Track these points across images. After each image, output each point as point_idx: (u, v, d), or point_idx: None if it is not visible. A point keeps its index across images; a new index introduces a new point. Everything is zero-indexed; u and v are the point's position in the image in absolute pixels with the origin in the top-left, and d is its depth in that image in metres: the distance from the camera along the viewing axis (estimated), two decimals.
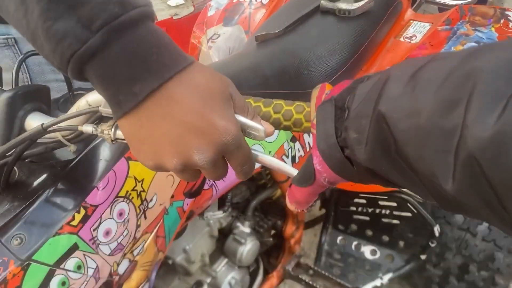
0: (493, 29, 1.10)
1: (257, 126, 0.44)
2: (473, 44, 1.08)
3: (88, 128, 0.46)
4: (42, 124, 0.47)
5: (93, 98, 0.50)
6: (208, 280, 1.02)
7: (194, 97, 0.40)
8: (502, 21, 1.11)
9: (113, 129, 0.45)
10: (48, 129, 0.47)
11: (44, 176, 0.60)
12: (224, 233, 1.06)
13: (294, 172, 0.47)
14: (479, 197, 0.28)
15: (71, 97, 0.66)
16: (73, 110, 0.52)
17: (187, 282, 1.00)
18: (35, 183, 0.59)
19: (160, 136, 0.40)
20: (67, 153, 0.63)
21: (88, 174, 0.61)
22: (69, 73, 0.38)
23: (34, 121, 0.55)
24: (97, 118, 0.49)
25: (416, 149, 0.32)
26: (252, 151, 0.46)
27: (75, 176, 0.61)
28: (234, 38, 1.33)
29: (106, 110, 0.45)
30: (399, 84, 0.35)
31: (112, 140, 0.45)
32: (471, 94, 0.28)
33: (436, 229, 1.12)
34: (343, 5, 1.10)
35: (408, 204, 1.14)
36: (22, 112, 0.54)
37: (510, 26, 1.10)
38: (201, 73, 0.41)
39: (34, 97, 0.56)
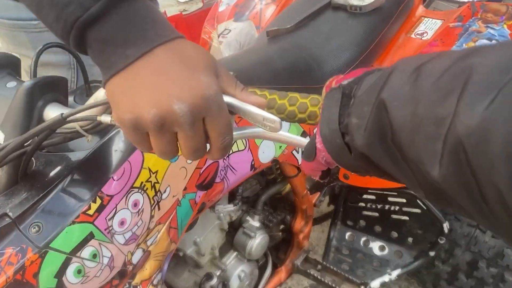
0: (505, 26, 1.09)
1: (270, 116, 0.44)
2: (485, 41, 1.07)
3: (106, 119, 0.47)
4: (62, 114, 0.48)
5: None
6: (218, 272, 1.03)
7: (181, 61, 0.41)
8: None
9: None
10: (68, 119, 0.48)
11: (60, 166, 0.61)
12: (234, 227, 1.07)
13: (304, 142, 0.49)
14: (462, 186, 0.29)
15: (87, 88, 0.67)
16: (91, 101, 0.53)
17: (197, 274, 1.01)
18: (52, 173, 0.61)
19: (142, 87, 0.40)
20: (83, 143, 0.64)
21: (104, 165, 0.62)
22: (71, 41, 0.41)
23: (52, 112, 0.56)
24: None
25: (409, 136, 0.33)
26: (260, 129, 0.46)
27: (91, 167, 0.62)
28: (245, 34, 1.34)
29: None
30: (403, 74, 0.36)
31: None
32: (465, 84, 0.29)
33: (446, 226, 1.12)
34: (354, 1, 1.10)
35: (418, 201, 1.14)
36: (41, 102, 0.56)
37: None
38: (190, 46, 0.44)
39: (52, 88, 0.57)
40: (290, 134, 0.52)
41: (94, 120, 0.48)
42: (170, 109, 0.40)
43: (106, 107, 0.50)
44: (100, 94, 0.52)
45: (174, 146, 0.43)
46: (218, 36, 1.38)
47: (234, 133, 0.46)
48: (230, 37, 1.37)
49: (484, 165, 0.27)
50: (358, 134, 0.39)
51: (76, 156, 0.62)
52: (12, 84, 0.57)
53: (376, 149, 0.38)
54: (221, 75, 0.45)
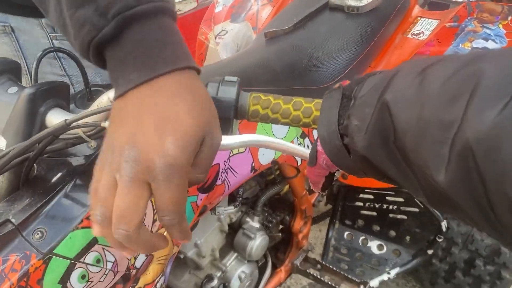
0: (501, 26, 1.11)
1: None
2: (481, 41, 1.08)
3: None
4: (66, 120, 0.48)
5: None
6: (218, 274, 1.03)
7: (165, 106, 0.39)
8: (510, 17, 1.11)
9: None
10: (71, 125, 0.48)
11: (62, 171, 0.61)
12: (234, 228, 1.07)
13: (306, 153, 0.49)
14: (468, 192, 0.29)
15: (88, 93, 0.67)
16: (95, 106, 0.53)
17: (198, 276, 1.01)
18: (54, 179, 0.60)
19: (128, 115, 0.40)
20: (84, 148, 0.64)
21: None
22: (91, 59, 0.42)
23: (54, 117, 0.56)
24: None
25: (414, 139, 0.33)
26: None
27: (93, 171, 0.61)
28: (242, 35, 1.34)
29: None
30: (408, 77, 0.36)
31: None
32: (474, 89, 0.29)
33: (443, 224, 1.13)
34: (352, 2, 1.11)
35: (416, 200, 1.15)
36: (43, 108, 0.55)
37: None
38: (191, 86, 0.41)
39: (54, 93, 0.56)
40: (296, 146, 0.52)
41: (98, 126, 0.48)
42: (119, 151, 0.38)
43: (109, 112, 0.50)
44: (103, 100, 0.51)
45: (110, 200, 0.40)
46: (215, 37, 1.38)
47: (237, 141, 0.46)
48: (227, 38, 1.37)
49: (494, 173, 0.26)
50: (358, 136, 0.38)
51: (78, 161, 0.62)
52: (13, 89, 0.57)
53: (377, 152, 0.37)
54: (206, 144, 0.41)
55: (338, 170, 0.46)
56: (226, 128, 0.49)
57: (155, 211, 0.67)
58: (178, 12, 3.46)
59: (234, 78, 0.50)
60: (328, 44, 1.05)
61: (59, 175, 0.61)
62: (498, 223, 0.28)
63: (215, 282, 1.01)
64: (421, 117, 0.32)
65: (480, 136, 0.27)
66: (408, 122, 0.34)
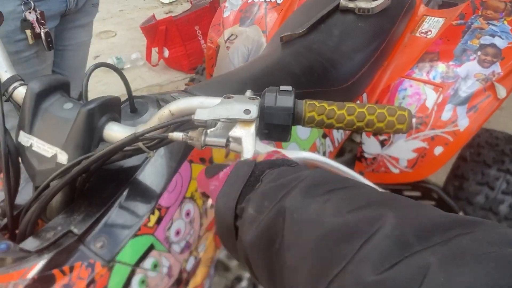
0: (505, 22, 1.15)
1: None
2: (488, 37, 1.12)
3: (178, 136, 0.50)
4: (135, 133, 0.50)
5: (175, 108, 0.54)
6: (246, 274, 1.06)
7: None
8: None
9: (203, 136, 0.49)
10: (140, 138, 0.51)
11: (115, 181, 0.63)
12: None
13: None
14: None
15: (132, 104, 0.69)
16: (155, 119, 0.55)
17: (227, 278, 1.03)
18: (108, 188, 0.63)
19: None
20: (132, 158, 0.66)
21: (157, 178, 0.64)
22: None
23: (112, 130, 0.58)
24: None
25: (295, 259, 0.31)
26: None
27: (145, 180, 0.64)
28: (252, 39, 1.37)
29: (198, 119, 0.48)
30: (317, 189, 0.34)
31: (202, 146, 0.49)
32: (373, 234, 0.28)
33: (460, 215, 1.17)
34: (362, 4, 1.14)
35: (432, 193, 1.19)
36: (101, 123, 0.57)
37: None
38: None
39: (109, 107, 0.59)
40: (346, 169, 0.52)
41: (165, 138, 0.51)
42: None
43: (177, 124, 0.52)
44: (165, 113, 0.54)
45: None
46: (225, 42, 1.41)
47: (298, 156, 0.48)
48: (237, 43, 1.39)
49: None
50: (249, 227, 0.37)
51: (129, 170, 0.64)
52: (68, 105, 0.58)
53: (258, 253, 0.36)
54: None
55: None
56: (285, 134, 0.52)
57: (201, 217, 0.69)
58: (171, 14, 3.47)
59: (289, 88, 0.53)
60: (343, 45, 1.08)
61: (112, 184, 0.63)
62: None
63: (244, 282, 1.03)
64: (310, 240, 0.31)
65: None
66: (296, 239, 0.32)
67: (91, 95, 0.61)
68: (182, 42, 2.83)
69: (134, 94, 0.69)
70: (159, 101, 0.72)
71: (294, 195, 0.35)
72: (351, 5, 1.15)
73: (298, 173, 0.38)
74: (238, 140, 0.47)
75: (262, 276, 0.36)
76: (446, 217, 0.29)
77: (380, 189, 0.36)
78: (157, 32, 2.76)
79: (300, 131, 0.98)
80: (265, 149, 0.46)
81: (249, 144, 0.46)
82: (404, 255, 0.26)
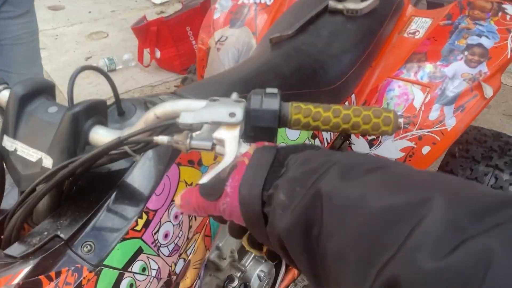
0: (492, 22, 1.16)
1: None
2: (475, 37, 1.13)
3: (163, 139, 0.50)
4: (119, 137, 0.50)
5: (161, 111, 0.54)
6: (238, 274, 1.06)
7: None
8: (500, 14, 1.17)
9: (188, 140, 0.49)
10: (125, 142, 0.51)
11: (102, 184, 0.63)
12: None
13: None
14: None
15: (119, 107, 0.69)
16: (141, 122, 0.55)
17: (219, 278, 1.03)
18: (95, 192, 0.62)
19: None
20: (119, 162, 0.66)
21: (145, 181, 0.64)
22: None
23: (97, 134, 0.58)
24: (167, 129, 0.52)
25: (340, 246, 0.30)
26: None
27: (133, 183, 0.64)
28: (242, 40, 1.37)
29: (183, 122, 0.48)
30: (353, 171, 0.33)
31: (187, 150, 0.49)
32: (418, 223, 0.27)
33: None
34: (351, 5, 1.15)
35: None
36: (86, 126, 0.57)
37: (507, 18, 1.16)
38: None
39: (95, 111, 0.59)
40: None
41: (150, 142, 0.51)
42: None
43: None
44: (150, 116, 0.54)
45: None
46: (216, 43, 1.41)
47: None
48: (228, 44, 1.39)
49: None
50: (282, 214, 0.35)
51: (116, 173, 0.64)
52: (53, 109, 0.58)
53: (295, 240, 0.34)
54: None
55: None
56: (271, 137, 0.52)
57: (190, 219, 0.70)
58: (162, 14, 3.46)
59: (275, 90, 0.53)
60: (332, 47, 1.09)
61: (99, 188, 0.63)
62: None
63: (236, 282, 1.04)
64: (357, 224, 0.29)
65: (415, 276, 0.25)
66: (339, 225, 0.31)
67: (82, 96, 0.61)
68: (174, 43, 2.82)
69: (126, 95, 0.68)
70: (147, 103, 0.72)
71: (329, 179, 0.33)
72: (340, 6, 1.16)
73: (328, 156, 0.37)
74: (222, 142, 0.47)
75: (301, 262, 0.35)
76: (494, 196, 0.27)
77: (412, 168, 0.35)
78: (148, 33, 2.75)
79: (289, 132, 0.98)
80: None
81: (233, 146, 0.46)
82: (461, 240, 0.24)
